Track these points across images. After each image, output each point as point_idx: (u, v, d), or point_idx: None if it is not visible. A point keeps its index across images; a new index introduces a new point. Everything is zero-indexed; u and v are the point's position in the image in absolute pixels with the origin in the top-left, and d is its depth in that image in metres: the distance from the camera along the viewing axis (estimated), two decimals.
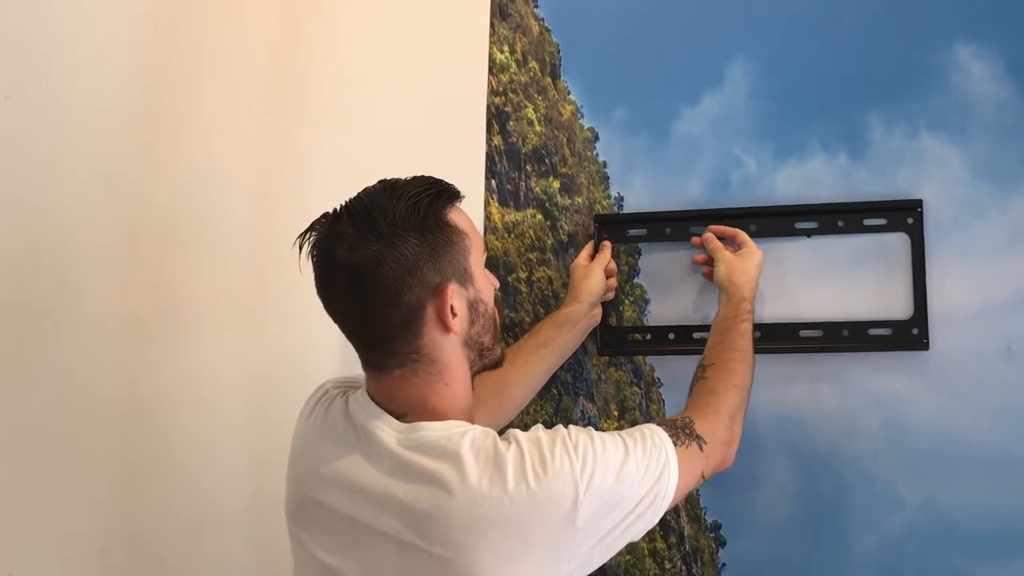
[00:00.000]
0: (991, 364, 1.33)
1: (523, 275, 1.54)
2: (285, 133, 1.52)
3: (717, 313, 1.34)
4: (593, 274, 1.43)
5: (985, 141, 1.35)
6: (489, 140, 1.57)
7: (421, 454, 0.98)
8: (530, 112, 1.55)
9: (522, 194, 1.55)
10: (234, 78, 1.48)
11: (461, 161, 1.56)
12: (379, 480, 0.99)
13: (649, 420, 1.47)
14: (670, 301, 1.48)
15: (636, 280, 1.51)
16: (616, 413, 1.50)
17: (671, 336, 1.48)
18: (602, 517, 0.98)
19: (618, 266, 1.49)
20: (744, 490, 1.41)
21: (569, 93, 1.54)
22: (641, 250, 1.51)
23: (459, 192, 1.06)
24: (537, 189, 1.55)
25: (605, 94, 1.53)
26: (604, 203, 1.52)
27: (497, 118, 1.57)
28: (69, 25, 1.34)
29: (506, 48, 1.57)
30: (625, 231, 1.50)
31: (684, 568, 1.46)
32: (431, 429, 1.00)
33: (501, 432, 1.01)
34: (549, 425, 1.01)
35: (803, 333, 1.41)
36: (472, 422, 1.04)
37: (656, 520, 1.04)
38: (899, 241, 1.37)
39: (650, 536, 1.45)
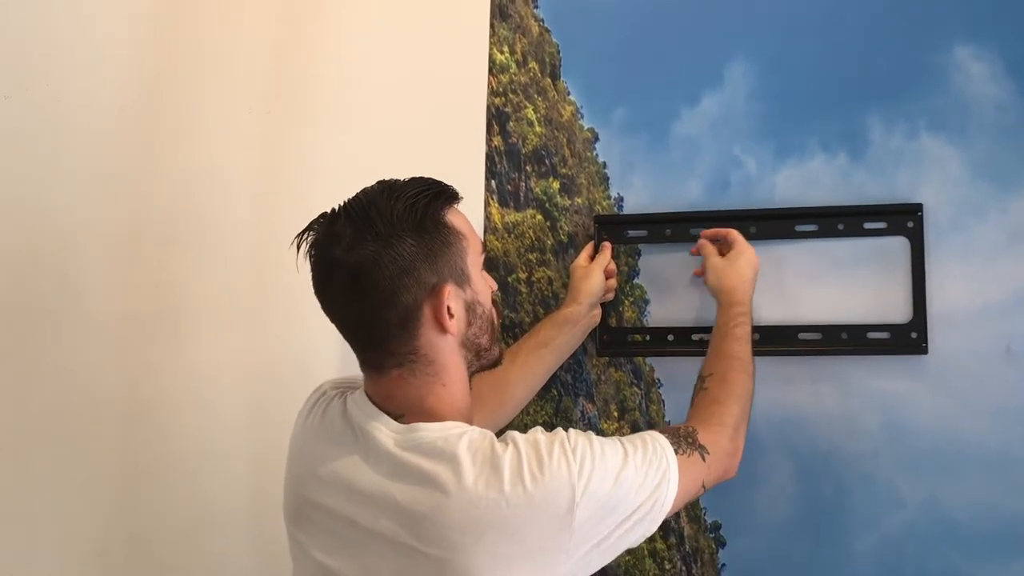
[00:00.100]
0: (991, 364, 1.33)
1: (523, 276, 1.55)
2: (285, 133, 1.52)
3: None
4: (593, 275, 1.43)
5: (984, 142, 1.35)
6: (489, 141, 1.57)
7: (418, 455, 0.98)
8: (530, 113, 1.55)
9: (522, 195, 1.56)
10: (234, 78, 1.48)
11: (461, 162, 1.56)
12: (376, 481, 0.99)
13: (649, 421, 1.48)
14: (670, 302, 1.48)
15: (636, 281, 1.51)
16: (616, 414, 1.50)
17: (670, 337, 1.48)
18: (599, 521, 0.97)
19: (618, 267, 1.49)
20: (744, 490, 1.41)
21: (569, 94, 1.54)
22: (641, 251, 1.51)
23: (457, 193, 1.06)
24: (537, 190, 1.55)
25: (605, 95, 1.53)
26: (604, 203, 1.52)
27: (497, 119, 1.57)
28: (69, 25, 1.35)
29: (506, 49, 1.57)
30: (625, 232, 1.50)
31: (684, 568, 1.46)
32: (428, 430, 1.00)
33: (500, 433, 1.01)
34: (549, 426, 1.01)
35: (802, 336, 1.41)
36: (470, 423, 1.04)
37: (655, 527, 1.04)
38: (899, 244, 1.37)
39: (650, 536, 1.44)
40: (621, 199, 1.52)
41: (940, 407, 1.35)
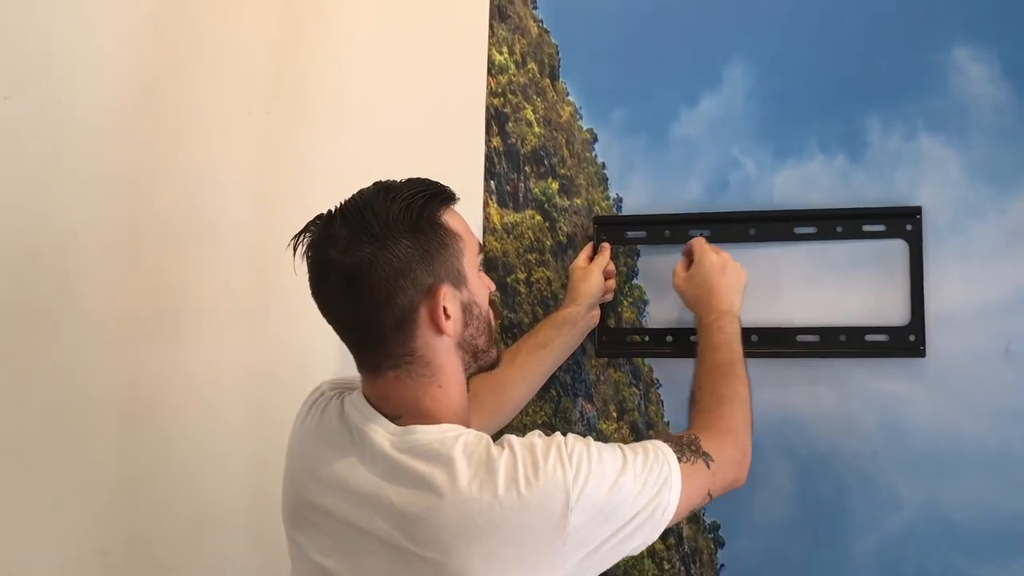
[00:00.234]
0: (990, 365, 1.33)
1: (522, 276, 1.55)
2: (285, 133, 1.52)
3: None
4: (592, 275, 1.43)
5: (983, 143, 1.34)
6: (488, 141, 1.57)
7: (414, 457, 0.98)
8: (529, 113, 1.56)
9: (521, 195, 1.56)
10: (234, 78, 1.49)
11: (460, 162, 1.56)
12: (372, 482, 0.99)
13: (648, 421, 1.48)
14: (669, 303, 1.48)
15: (635, 281, 1.51)
16: (615, 414, 1.50)
17: (669, 338, 1.47)
18: (595, 527, 0.97)
19: (617, 267, 1.49)
20: (743, 491, 1.39)
21: (568, 94, 1.54)
22: (640, 252, 1.51)
23: (453, 194, 1.06)
24: (536, 190, 1.55)
25: (604, 95, 1.52)
26: (603, 204, 1.52)
27: (496, 119, 1.57)
28: (69, 25, 1.35)
29: (505, 49, 1.57)
30: (624, 233, 1.50)
31: (683, 568, 1.46)
32: (425, 432, 1.00)
33: (499, 435, 1.01)
34: (548, 426, 1.01)
35: (800, 338, 1.41)
36: (467, 425, 1.04)
37: (656, 535, 1.03)
38: (898, 246, 1.37)
39: None
40: (620, 200, 1.52)
41: (939, 408, 1.35)
